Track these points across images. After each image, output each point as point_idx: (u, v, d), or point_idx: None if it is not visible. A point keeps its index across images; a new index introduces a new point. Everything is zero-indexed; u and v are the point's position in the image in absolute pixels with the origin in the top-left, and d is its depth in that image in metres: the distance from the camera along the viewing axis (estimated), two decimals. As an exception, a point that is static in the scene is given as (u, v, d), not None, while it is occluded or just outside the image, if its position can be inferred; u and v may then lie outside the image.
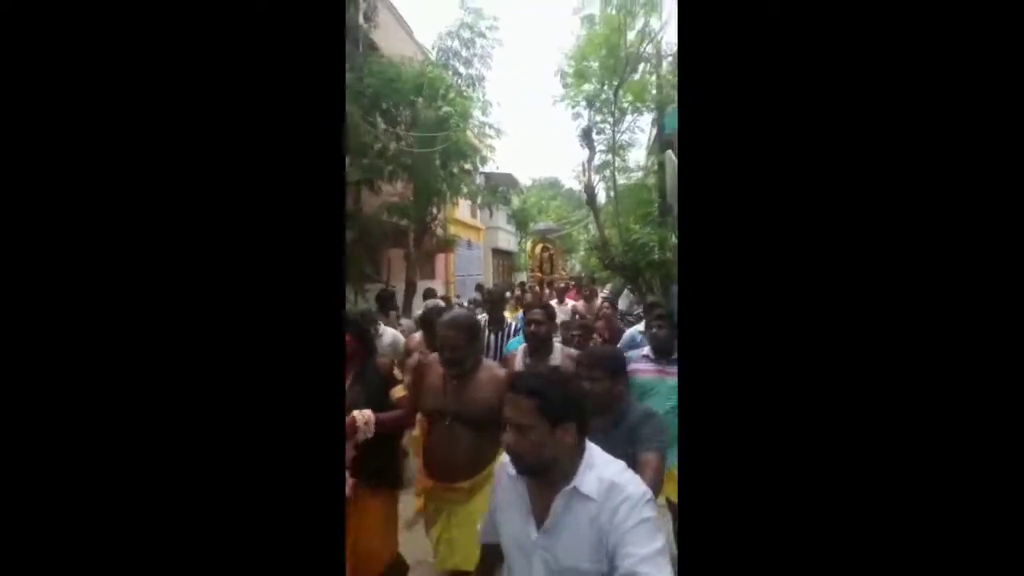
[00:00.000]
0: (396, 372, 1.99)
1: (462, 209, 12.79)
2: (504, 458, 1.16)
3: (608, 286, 10.95)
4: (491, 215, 15.97)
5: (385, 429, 1.82)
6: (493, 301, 3.28)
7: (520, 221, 18.24)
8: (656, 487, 1.37)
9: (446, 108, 6.74)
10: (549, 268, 9.25)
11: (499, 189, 12.85)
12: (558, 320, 2.83)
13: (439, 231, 9.16)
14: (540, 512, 1.08)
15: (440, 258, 11.80)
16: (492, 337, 3.06)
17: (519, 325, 3.07)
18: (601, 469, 1.06)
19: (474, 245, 14.54)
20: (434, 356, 1.91)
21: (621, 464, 1.11)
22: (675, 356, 2.24)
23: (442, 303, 4.54)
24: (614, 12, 8.72)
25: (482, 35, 8.67)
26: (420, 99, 6.72)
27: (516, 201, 17.64)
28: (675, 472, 1.99)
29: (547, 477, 1.06)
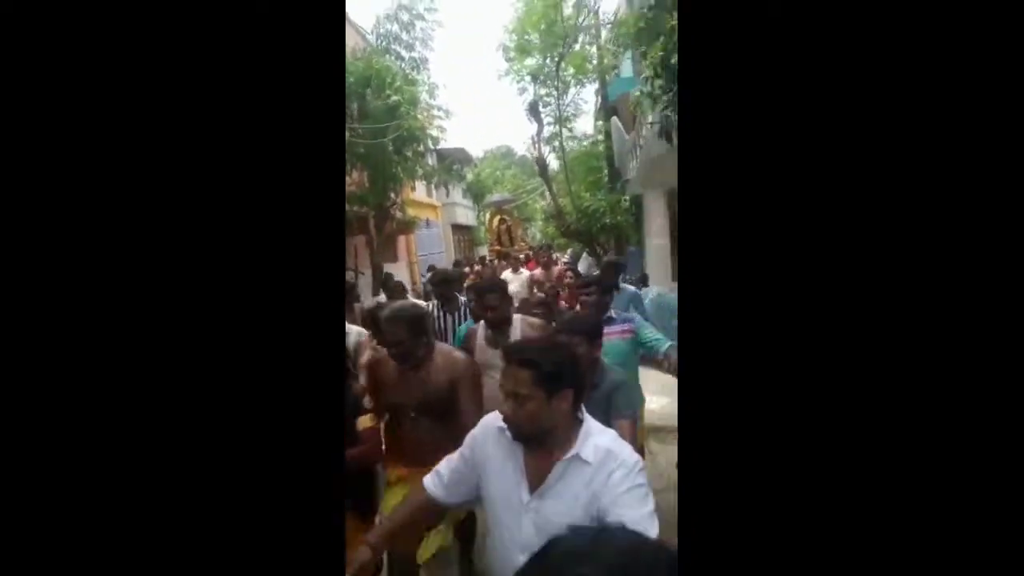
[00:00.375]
0: (366, 400, 1.85)
1: (418, 189, 12.91)
2: (486, 420, 1.22)
3: (569, 251, 11.48)
4: (447, 193, 16.12)
5: (351, 464, 1.65)
6: (441, 282, 3.22)
7: (476, 194, 18.43)
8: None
9: (394, 97, 6.93)
10: (508, 240, 9.26)
11: (453, 166, 13.03)
12: (516, 291, 2.84)
13: (398, 214, 9.39)
14: (533, 475, 1.10)
15: (401, 240, 12.00)
16: (448, 319, 3.05)
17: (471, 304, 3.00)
18: (597, 437, 1.10)
19: (433, 223, 14.73)
20: (385, 351, 1.85)
21: (613, 433, 1.15)
22: (608, 316, 2.40)
23: (400, 290, 4.20)
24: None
25: (421, 17, 8.74)
26: (368, 91, 6.87)
27: (470, 175, 17.83)
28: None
29: (543, 443, 1.09)
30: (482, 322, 2.37)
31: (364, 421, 1.77)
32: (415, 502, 1.29)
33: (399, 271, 10.44)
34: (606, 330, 2.25)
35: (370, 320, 2.98)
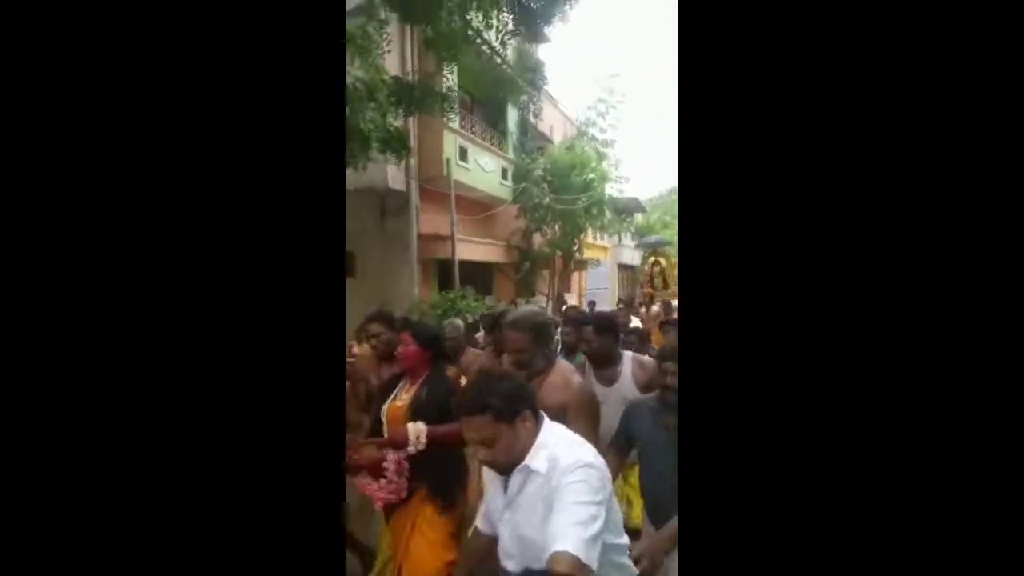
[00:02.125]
0: (464, 381, 1.87)
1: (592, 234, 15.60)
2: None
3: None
4: (619, 238, 18.53)
5: (441, 442, 1.70)
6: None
7: (642, 236, 20.45)
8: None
9: (590, 176, 9.69)
10: (661, 283, 8.74)
11: (624, 216, 15.42)
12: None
13: (577, 255, 12.10)
14: (507, 487, 1.17)
15: (575, 276, 14.73)
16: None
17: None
18: (551, 446, 1.13)
19: (602, 263, 17.21)
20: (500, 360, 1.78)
21: (572, 438, 1.18)
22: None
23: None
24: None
25: (614, 107, 11.50)
26: (574, 170, 9.75)
27: (640, 219, 20.01)
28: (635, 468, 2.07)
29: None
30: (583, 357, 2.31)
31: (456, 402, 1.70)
32: (476, 547, 1.35)
33: (571, 300, 13.10)
34: None
35: (490, 324, 3.07)
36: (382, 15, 4.85)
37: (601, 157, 10.88)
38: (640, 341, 3.19)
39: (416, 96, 5.12)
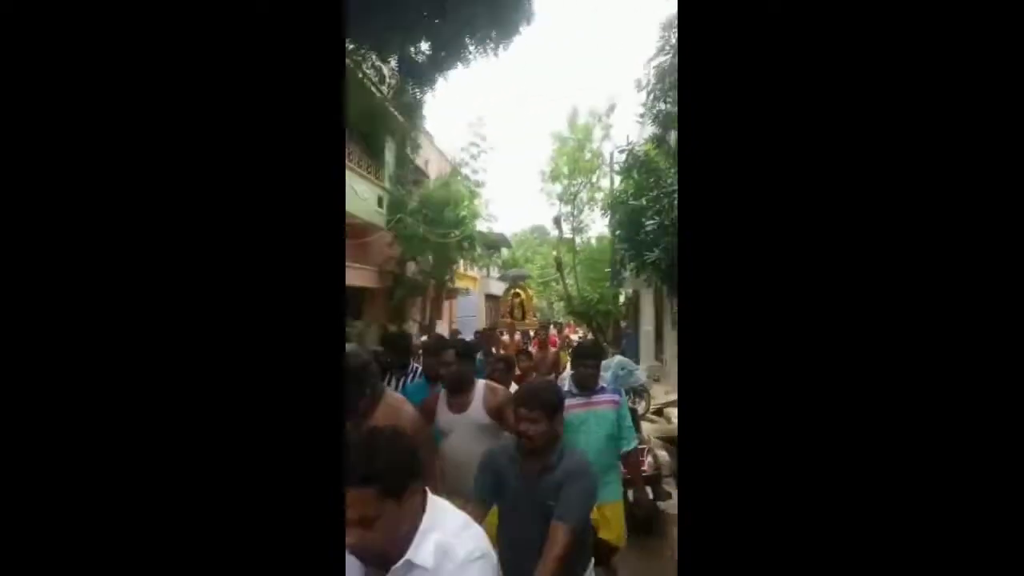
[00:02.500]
0: None
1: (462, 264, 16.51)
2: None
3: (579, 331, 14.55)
4: (488, 271, 19.68)
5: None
6: (397, 348, 2.96)
7: (507, 270, 22.04)
8: (556, 561, 1.31)
9: (463, 213, 10.49)
10: (520, 313, 9.04)
11: (492, 251, 16.62)
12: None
13: (449, 284, 12.75)
14: None
15: (447, 304, 15.34)
16: (395, 381, 2.85)
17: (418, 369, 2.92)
18: (440, 531, 0.94)
19: (472, 292, 18.09)
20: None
21: (461, 520, 1.00)
22: (600, 386, 2.36)
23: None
24: (574, 140, 13.03)
25: (484, 152, 12.63)
26: (448, 206, 10.44)
27: (507, 253, 21.52)
28: (615, 510, 2.17)
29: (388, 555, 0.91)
30: (443, 390, 2.25)
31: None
32: None
33: (442, 327, 13.65)
34: (595, 398, 2.29)
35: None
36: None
37: (474, 195, 11.79)
38: (507, 368, 3.20)
39: None
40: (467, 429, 2.11)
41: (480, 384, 2.25)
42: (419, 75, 4.99)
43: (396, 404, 1.69)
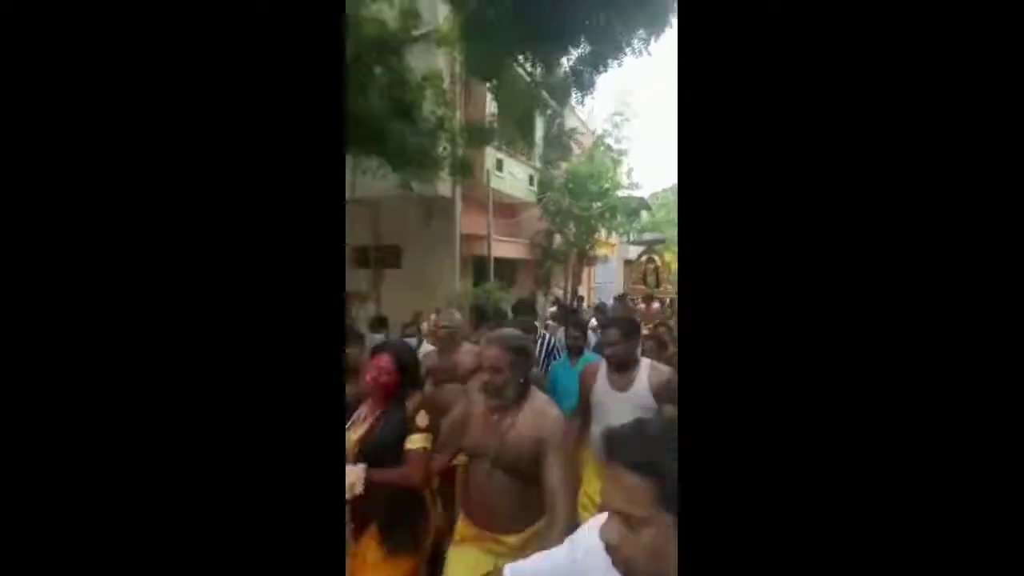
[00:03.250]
0: (420, 417, 1.61)
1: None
2: (591, 535, 0.85)
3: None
4: (628, 237, 19.80)
5: (382, 487, 1.52)
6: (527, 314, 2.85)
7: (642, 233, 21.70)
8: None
9: (606, 185, 10.94)
10: (655, 280, 8.52)
11: (631, 217, 16.68)
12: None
13: (591, 253, 13.39)
14: None
15: (586, 271, 16.05)
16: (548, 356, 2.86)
17: (557, 343, 2.95)
18: None
19: (610, 259, 18.49)
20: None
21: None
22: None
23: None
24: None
25: (627, 121, 12.71)
26: (591, 179, 10.98)
27: (646, 216, 21.24)
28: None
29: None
30: (602, 362, 2.24)
31: (414, 440, 1.56)
32: None
33: (582, 291, 14.42)
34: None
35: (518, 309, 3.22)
36: (456, 67, 6.09)
37: (616, 164, 12.09)
38: (658, 348, 3.01)
39: (484, 132, 6.42)
40: (629, 409, 2.02)
41: (645, 363, 2.24)
42: (579, 80, 5.53)
43: (542, 408, 1.49)
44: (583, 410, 2.31)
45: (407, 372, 1.70)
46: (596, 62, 5.29)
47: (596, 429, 2.18)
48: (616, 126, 12.81)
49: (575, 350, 2.93)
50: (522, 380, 1.50)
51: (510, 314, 4.29)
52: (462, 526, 1.57)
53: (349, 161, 6.45)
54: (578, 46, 5.35)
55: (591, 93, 5.60)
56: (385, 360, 1.66)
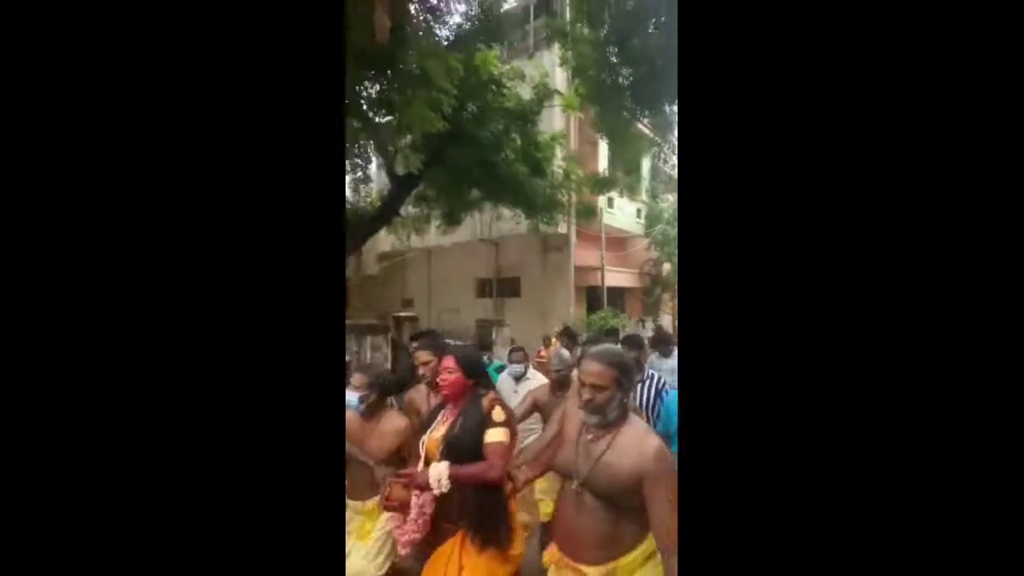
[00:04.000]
0: (497, 412, 1.61)
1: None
2: None
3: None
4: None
5: (465, 485, 1.53)
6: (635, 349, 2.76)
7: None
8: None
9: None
10: None
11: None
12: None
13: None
14: None
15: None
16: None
17: (667, 384, 2.70)
18: None
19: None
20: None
21: None
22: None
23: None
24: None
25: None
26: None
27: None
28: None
29: None
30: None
31: (493, 435, 1.56)
32: None
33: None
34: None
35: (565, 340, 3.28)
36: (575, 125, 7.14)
37: (722, 194, 12.38)
38: None
39: (604, 181, 7.41)
40: None
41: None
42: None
43: (644, 430, 1.39)
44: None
45: (471, 370, 1.72)
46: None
47: None
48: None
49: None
50: (623, 400, 1.40)
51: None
52: (550, 551, 1.49)
53: (487, 209, 7.69)
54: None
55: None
56: (449, 361, 1.73)
